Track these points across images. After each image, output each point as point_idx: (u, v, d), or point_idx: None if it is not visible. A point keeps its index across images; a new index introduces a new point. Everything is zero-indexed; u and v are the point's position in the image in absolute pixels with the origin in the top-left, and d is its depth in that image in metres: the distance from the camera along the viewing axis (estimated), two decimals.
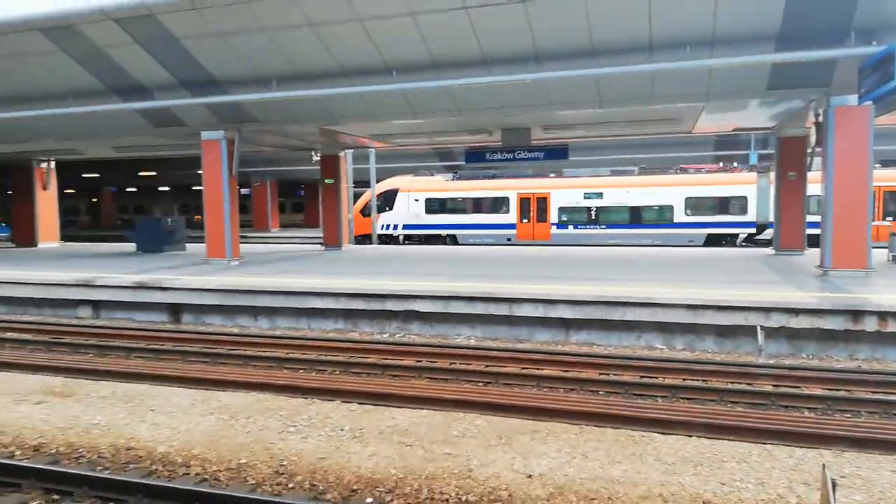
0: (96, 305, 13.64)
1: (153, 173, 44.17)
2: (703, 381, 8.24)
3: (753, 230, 23.91)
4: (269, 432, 6.49)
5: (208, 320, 12.86)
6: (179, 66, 13.88)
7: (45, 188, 25.16)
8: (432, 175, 29.20)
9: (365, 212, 28.64)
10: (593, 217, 25.67)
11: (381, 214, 27.95)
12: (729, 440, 6.06)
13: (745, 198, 23.70)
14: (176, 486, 4.97)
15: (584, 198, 25.65)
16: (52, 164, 25.22)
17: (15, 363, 9.22)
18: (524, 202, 26.34)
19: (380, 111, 14.10)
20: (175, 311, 13.09)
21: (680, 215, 24.63)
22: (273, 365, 9.41)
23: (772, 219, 23.04)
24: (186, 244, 22.47)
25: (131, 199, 61.09)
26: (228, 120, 15.44)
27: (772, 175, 23.78)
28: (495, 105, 13.35)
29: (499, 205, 26.83)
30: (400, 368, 8.98)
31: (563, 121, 15.40)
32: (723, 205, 23.98)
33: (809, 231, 16.35)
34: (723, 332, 9.93)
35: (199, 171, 16.56)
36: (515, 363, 9.07)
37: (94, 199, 59.95)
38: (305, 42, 12.57)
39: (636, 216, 25.18)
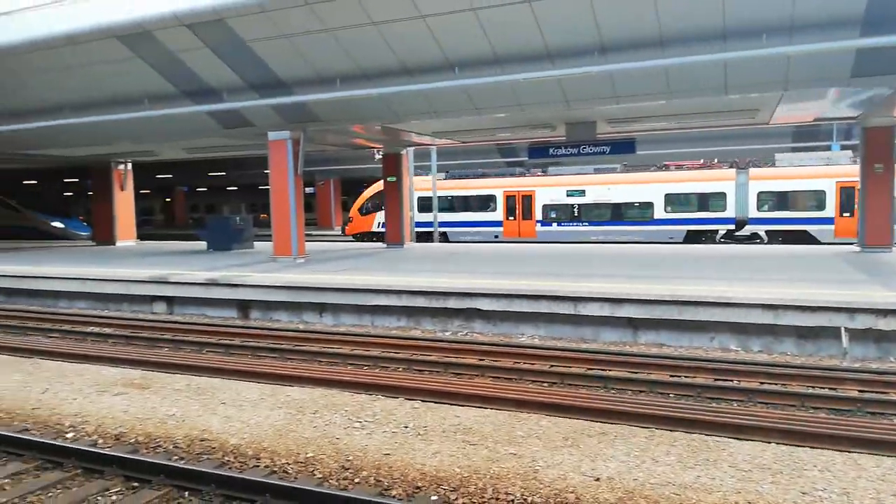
0: (170, 301, 14.19)
1: (222, 173, 45.73)
2: (783, 384, 7.84)
3: (732, 226, 23.77)
4: (335, 427, 6.56)
5: (275, 316, 13.16)
6: (247, 69, 14.26)
7: (122, 189, 26.38)
8: (427, 175, 29.36)
9: (363, 210, 29.14)
10: (576, 214, 25.97)
11: (378, 213, 28.16)
12: (811, 447, 5.74)
13: (724, 194, 23.57)
14: (247, 477, 5.08)
15: (567, 195, 25.84)
16: (129, 165, 26.41)
17: (97, 356, 9.67)
18: (510, 200, 26.85)
19: (441, 108, 14.09)
20: (244, 307, 13.46)
21: (660, 212, 24.70)
22: (337, 361, 9.53)
23: (751, 215, 23.03)
24: (254, 242, 23.14)
25: (202, 198, 63.40)
26: (294, 120, 15.77)
27: (751, 171, 23.57)
28: (559, 99, 13.13)
29: (486, 203, 27.39)
30: (462, 367, 8.94)
31: (630, 114, 15.01)
32: (702, 201, 23.94)
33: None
34: (804, 333, 9.43)
35: (265, 171, 17.00)
36: (581, 363, 8.88)
37: (168, 199, 62.49)
38: (369, 41, 12.69)
39: (617, 213, 25.41)
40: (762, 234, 23.28)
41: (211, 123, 16.41)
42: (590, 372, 8.48)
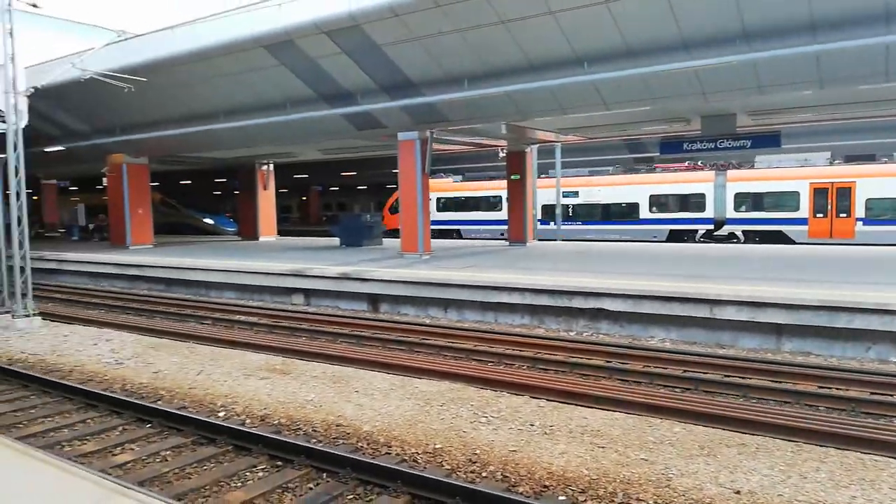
0: (307, 293, 15.06)
1: (353, 173, 47.76)
2: None
3: (711, 226, 24.27)
4: (462, 421, 6.67)
5: (402, 310, 13.58)
6: (380, 72, 14.83)
7: (265, 188, 28.33)
8: (447, 177, 31.58)
9: (392, 209, 30.45)
10: (570, 214, 27.26)
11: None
12: None
13: (703, 195, 24.17)
14: (380, 463, 5.29)
15: (563, 196, 26.75)
16: (271, 166, 28.31)
17: (244, 342, 10.47)
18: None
19: (569, 104, 13.86)
20: (374, 300, 14.01)
21: (645, 212, 25.61)
22: (462, 356, 9.67)
23: (727, 215, 23.73)
24: (382, 239, 24.01)
25: (334, 197, 66.58)
26: (422, 121, 16.18)
27: (729, 173, 23.99)
28: (695, 91, 12.47)
29: (494, 203, 29.28)
30: (589, 368, 8.77)
31: (775, 105, 13.97)
32: (683, 202, 24.57)
33: None
34: None
35: (392, 171, 17.56)
36: (717, 370, 8.41)
37: (304, 198, 66.18)
38: (497, 39, 12.75)
39: (606, 213, 26.60)
40: (739, 233, 23.78)
41: (345, 125, 17.21)
42: (727, 379, 8.01)
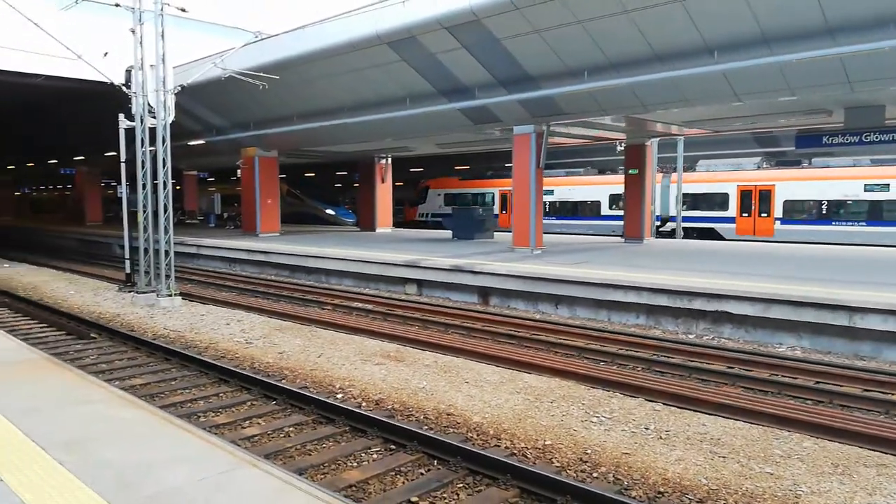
0: (420, 284, 15.41)
1: (466, 167, 48.16)
2: None
3: (658, 223, 26.48)
4: (572, 419, 6.58)
5: (513, 304, 13.56)
6: (498, 66, 14.84)
7: (383, 181, 29.23)
8: (455, 176, 36.75)
9: (411, 202, 38.48)
10: (546, 210, 29.91)
11: (419, 206, 38.33)
12: None
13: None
14: (489, 455, 5.34)
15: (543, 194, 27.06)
16: (389, 160, 29.15)
17: (360, 328, 10.90)
18: (503, 197, 32.62)
19: (695, 96, 13.20)
20: (484, 293, 14.10)
21: (605, 209, 29.04)
22: (573, 354, 9.52)
23: (671, 213, 26.48)
24: (494, 232, 24.07)
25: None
26: (539, 114, 16.02)
27: (673, 175, 26.31)
28: (839, 80, 11.46)
29: (487, 199, 34.00)
30: (709, 373, 8.35)
31: None
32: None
33: None
34: None
35: (506, 164, 17.52)
36: (856, 383, 7.74)
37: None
38: (619, 29, 12.38)
39: (574, 209, 30.42)
40: (679, 230, 25.52)
41: (462, 119, 17.40)
42: (867, 393, 7.36)
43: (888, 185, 21.61)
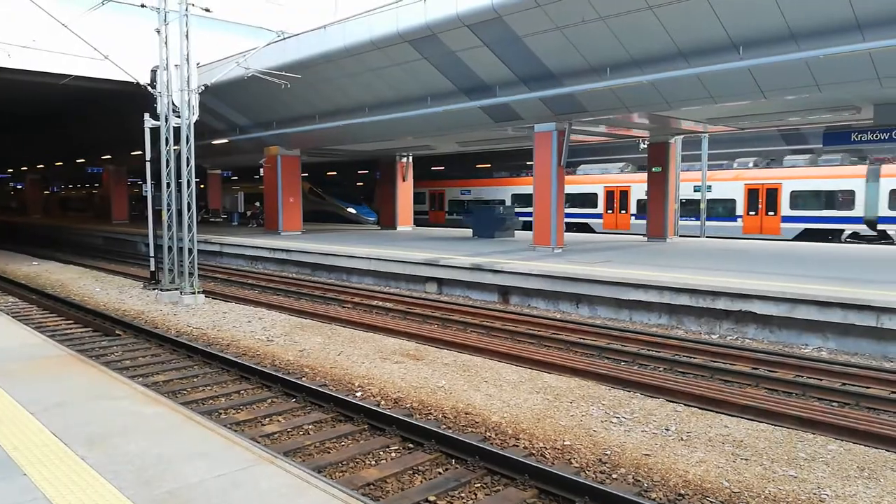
0: (440, 282, 15.41)
1: (488, 164, 48.04)
2: None
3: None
4: (592, 419, 6.53)
5: (533, 303, 13.50)
6: (519, 63, 14.77)
7: (403, 179, 29.28)
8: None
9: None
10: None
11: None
12: None
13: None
14: (508, 455, 5.31)
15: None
16: (410, 158, 29.19)
17: (380, 327, 10.93)
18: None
19: (720, 93, 13.01)
20: (504, 292, 14.05)
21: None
22: (593, 353, 9.44)
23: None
24: (514, 231, 24.00)
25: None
26: (561, 112, 15.92)
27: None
28: (869, 76, 11.20)
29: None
30: (732, 374, 8.23)
31: None
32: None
33: None
34: None
35: (527, 163, 17.43)
36: (883, 385, 7.57)
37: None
38: (642, 25, 12.24)
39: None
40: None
41: (483, 117, 17.36)
42: (894, 395, 7.19)
43: (710, 186, 26.05)
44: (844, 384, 7.70)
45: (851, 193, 23.23)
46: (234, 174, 51.55)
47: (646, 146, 21.13)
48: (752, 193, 25.87)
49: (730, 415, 6.61)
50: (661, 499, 4.90)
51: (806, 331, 9.89)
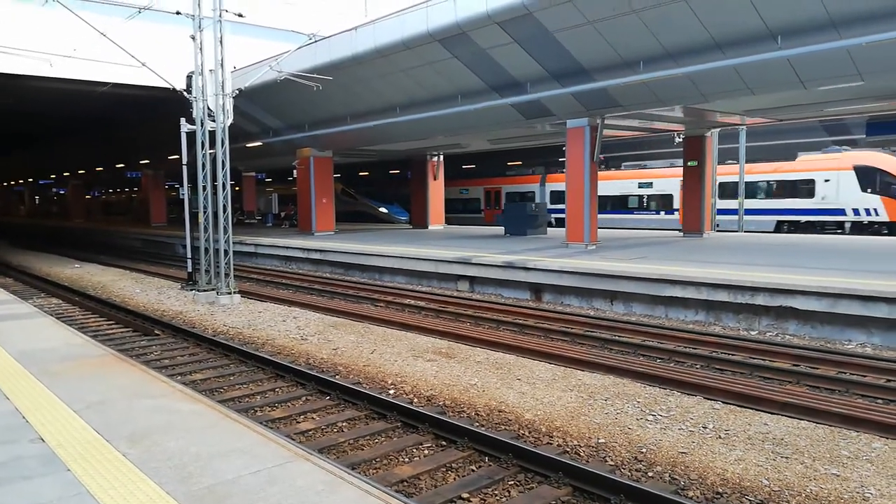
0: (472, 280, 15.39)
1: (519, 162, 47.85)
2: None
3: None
4: (627, 417, 6.45)
5: (566, 301, 13.39)
6: (550, 59, 14.67)
7: (434, 178, 29.33)
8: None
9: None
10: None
11: None
12: None
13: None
14: (541, 452, 5.28)
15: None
16: (441, 157, 29.23)
17: (413, 325, 10.97)
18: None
19: (758, 84, 12.71)
20: (536, 290, 13.97)
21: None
22: (628, 351, 9.33)
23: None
24: (547, 228, 23.83)
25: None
26: (593, 107, 15.75)
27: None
28: None
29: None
30: (772, 371, 8.04)
31: None
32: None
33: None
34: None
35: (559, 159, 17.28)
36: None
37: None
38: (676, 17, 12.04)
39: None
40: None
41: (514, 114, 17.28)
42: None
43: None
44: (889, 381, 7.47)
45: None
46: (269, 176, 52.29)
47: (681, 140, 20.78)
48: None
49: (769, 412, 6.46)
50: (698, 497, 4.81)
51: (849, 326, 9.61)
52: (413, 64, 16.91)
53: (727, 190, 25.85)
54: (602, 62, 14.09)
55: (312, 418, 6.67)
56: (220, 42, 13.83)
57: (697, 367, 8.44)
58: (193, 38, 14.20)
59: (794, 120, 20.77)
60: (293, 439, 5.59)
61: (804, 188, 23.99)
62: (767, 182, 25.19)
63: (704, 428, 6.09)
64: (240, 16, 14.59)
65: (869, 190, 22.36)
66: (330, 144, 24.74)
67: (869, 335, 9.43)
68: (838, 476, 5.02)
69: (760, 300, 10.33)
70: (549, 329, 10.67)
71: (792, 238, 19.59)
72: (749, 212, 25.03)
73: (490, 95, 16.70)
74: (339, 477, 3.75)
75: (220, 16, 13.81)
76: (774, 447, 5.60)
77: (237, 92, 14.71)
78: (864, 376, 7.67)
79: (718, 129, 21.52)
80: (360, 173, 49.49)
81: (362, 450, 5.80)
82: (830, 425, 6.07)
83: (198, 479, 3.69)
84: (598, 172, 16.93)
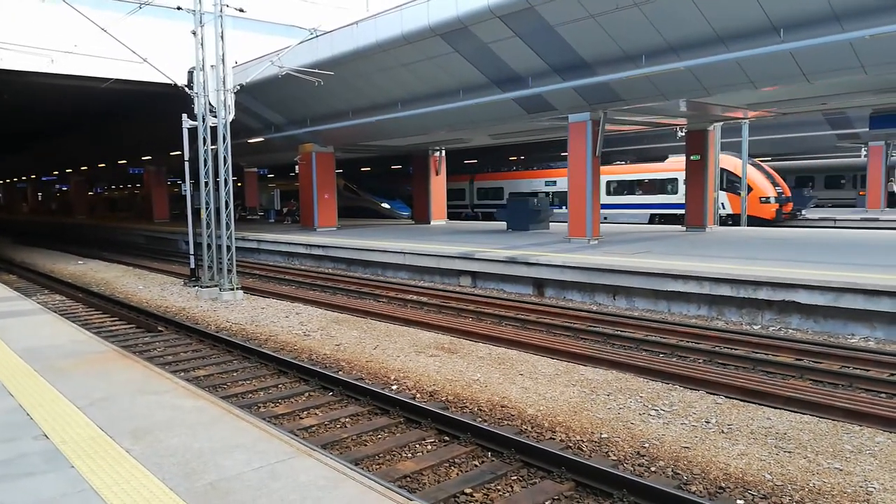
0: (474, 276, 15.38)
1: (521, 157, 47.75)
2: None
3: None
4: (629, 412, 6.45)
5: (568, 296, 13.39)
6: (552, 53, 14.62)
7: (437, 174, 29.29)
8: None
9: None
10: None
11: None
12: None
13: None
14: (544, 448, 5.28)
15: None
16: (443, 152, 29.18)
17: (415, 320, 10.97)
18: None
19: (760, 77, 12.66)
20: (539, 285, 13.96)
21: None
22: (631, 346, 9.32)
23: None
24: (549, 223, 23.80)
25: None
26: (595, 101, 15.71)
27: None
28: None
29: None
30: (775, 365, 8.03)
31: None
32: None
33: None
34: None
35: (562, 154, 17.25)
36: None
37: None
38: (678, 10, 11.99)
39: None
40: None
41: (516, 109, 17.24)
42: None
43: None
44: (892, 375, 7.45)
45: None
46: (270, 172, 52.28)
47: (683, 134, 20.72)
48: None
49: (772, 407, 6.46)
50: (701, 492, 4.82)
51: (852, 320, 9.59)
52: (414, 58, 16.87)
53: (611, 187, 29.78)
54: (604, 56, 14.04)
55: (315, 414, 6.68)
56: (222, 37, 13.80)
57: (700, 361, 8.44)
58: (194, 33, 14.16)
59: (797, 113, 20.72)
60: (296, 435, 5.60)
61: (669, 186, 27.65)
62: (641, 180, 28.90)
63: (707, 423, 6.09)
64: (241, 11, 14.55)
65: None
66: (331, 140, 24.71)
67: (872, 329, 9.41)
68: (841, 470, 5.02)
69: (763, 294, 10.31)
70: (551, 324, 10.66)
71: (795, 232, 19.55)
72: (629, 206, 29.02)
73: (492, 90, 16.66)
74: (342, 473, 3.76)
75: (221, 11, 13.78)
76: (777, 442, 5.60)
77: (238, 87, 14.68)
78: (868, 370, 7.66)
79: (721, 123, 21.44)
80: (363, 169, 49.48)
81: (365, 445, 5.82)
82: (833, 420, 6.06)
83: (201, 475, 3.70)
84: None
